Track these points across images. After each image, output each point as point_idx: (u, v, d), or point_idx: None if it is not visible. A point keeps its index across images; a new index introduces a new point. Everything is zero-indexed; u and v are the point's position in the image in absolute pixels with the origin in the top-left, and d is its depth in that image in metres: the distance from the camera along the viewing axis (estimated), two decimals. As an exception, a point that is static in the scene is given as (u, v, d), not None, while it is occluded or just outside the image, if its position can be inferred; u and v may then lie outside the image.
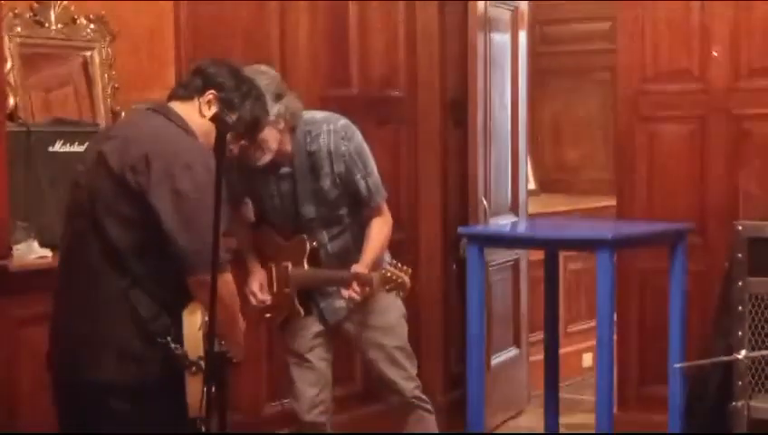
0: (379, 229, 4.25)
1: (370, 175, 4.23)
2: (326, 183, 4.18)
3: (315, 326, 4.33)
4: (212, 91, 3.27)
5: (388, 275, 4.05)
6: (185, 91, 3.31)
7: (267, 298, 4.26)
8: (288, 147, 4.14)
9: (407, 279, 4.04)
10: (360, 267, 4.10)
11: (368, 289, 4.07)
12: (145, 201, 3.08)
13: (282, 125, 4.07)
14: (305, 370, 4.34)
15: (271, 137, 4.03)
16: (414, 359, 4.45)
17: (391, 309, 4.36)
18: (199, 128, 3.25)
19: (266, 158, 4.07)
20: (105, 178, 3.15)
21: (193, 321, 3.10)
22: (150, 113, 3.29)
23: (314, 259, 4.22)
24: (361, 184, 4.20)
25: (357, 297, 4.09)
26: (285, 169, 4.18)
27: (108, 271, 3.13)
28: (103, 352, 3.13)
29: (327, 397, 4.40)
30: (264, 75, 4.00)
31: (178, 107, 3.28)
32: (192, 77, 3.33)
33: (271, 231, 4.31)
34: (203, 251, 2.98)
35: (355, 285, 4.07)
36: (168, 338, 3.09)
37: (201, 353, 3.09)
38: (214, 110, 3.25)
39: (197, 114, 3.27)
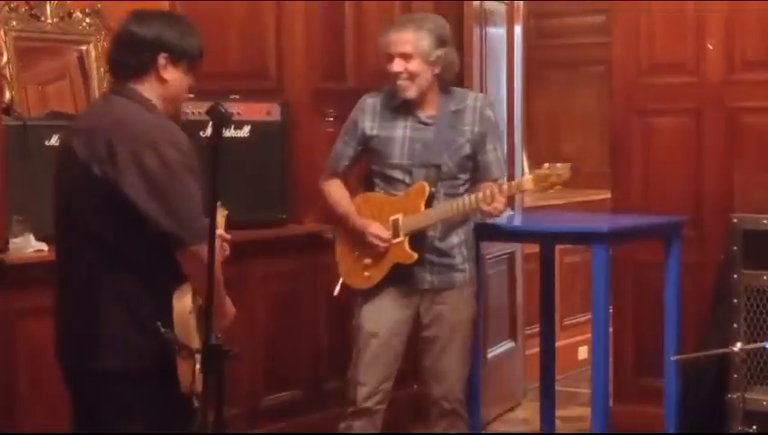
0: None
1: (501, 149, 4.46)
2: (463, 137, 4.36)
3: (398, 312, 4.39)
4: (162, 54, 3.21)
5: (541, 173, 4.18)
6: (136, 67, 3.21)
7: (389, 235, 4.33)
8: (433, 99, 4.37)
9: (564, 171, 4.16)
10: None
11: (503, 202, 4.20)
12: (117, 189, 3.08)
13: (437, 69, 4.32)
14: (378, 355, 4.37)
15: (424, 74, 4.31)
16: (468, 366, 4.53)
17: (467, 306, 4.45)
18: (162, 97, 3.22)
19: (412, 91, 4.32)
20: (75, 172, 3.15)
21: (183, 305, 3.11)
22: (112, 96, 3.26)
23: (429, 205, 4.32)
24: (491, 154, 4.40)
25: (502, 208, 4.21)
26: (427, 117, 4.37)
27: (96, 261, 3.14)
28: (98, 340, 3.15)
29: (389, 387, 4.43)
30: (432, 20, 4.40)
31: (137, 85, 3.22)
32: (131, 51, 3.21)
33: (373, 194, 4.42)
34: (184, 222, 3.03)
35: (499, 195, 4.17)
36: (159, 323, 3.09)
37: (191, 336, 3.09)
38: (172, 70, 3.21)
39: (157, 84, 3.22)
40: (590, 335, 4.86)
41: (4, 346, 4.11)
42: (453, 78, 4.48)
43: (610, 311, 5.01)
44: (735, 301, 4.64)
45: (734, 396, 4.62)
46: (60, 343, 3.28)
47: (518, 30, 6.34)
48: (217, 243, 3.39)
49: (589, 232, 4.74)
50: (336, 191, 4.50)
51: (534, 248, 5.74)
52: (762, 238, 4.62)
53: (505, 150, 4.56)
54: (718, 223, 5.11)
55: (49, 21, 4.52)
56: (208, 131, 4.26)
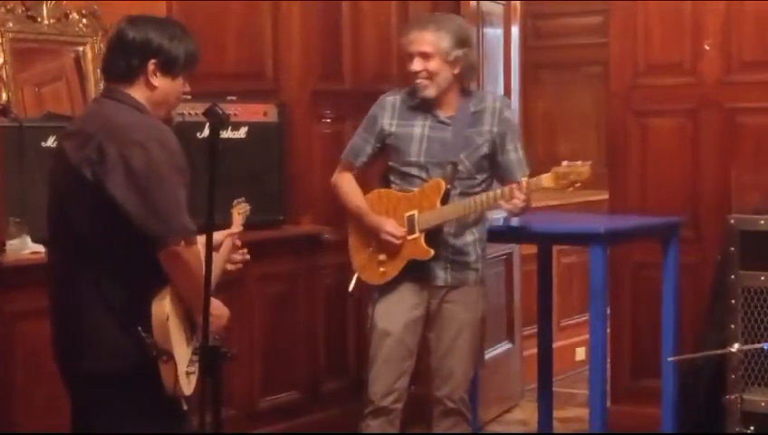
0: None
1: (522, 150, 4.46)
2: (482, 137, 4.38)
3: (411, 310, 4.41)
4: (152, 60, 3.22)
5: (561, 171, 4.16)
6: (125, 72, 3.23)
7: (404, 232, 4.34)
8: (452, 100, 4.39)
9: (585, 169, 4.15)
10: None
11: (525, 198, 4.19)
12: (104, 190, 3.08)
13: (456, 70, 4.34)
14: (392, 353, 4.39)
15: (443, 74, 4.34)
16: (475, 367, 4.54)
17: (478, 306, 4.46)
18: (152, 100, 3.24)
19: (431, 90, 4.34)
20: (67, 175, 3.17)
21: (161, 309, 3.11)
22: (104, 100, 3.28)
23: (445, 202, 4.33)
24: (512, 154, 4.42)
25: (521, 205, 4.20)
26: (446, 117, 4.39)
27: (82, 263, 3.16)
28: (82, 342, 3.18)
29: (405, 385, 4.45)
30: (453, 21, 4.44)
31: (127, 88, 3.23)
32: (121, 55, 3.23)
33: (387, 190, 4.43)
34: (164, 220, 3.05)
35: (518, 193, 4.17)
36: (140, 328, 3.10)
37: (170, 341, 3.10)
38: (161, 77, 3.22)
39: (146, 89, 3.23)
40: (587, 336, 4.85)
41: (1, 348, 4.10)
42: (472, 78, 4.52)
43: (608, 312, 5.01)
44: (733, 301, 4.64)
45: (732, 397, 4.61)
46: (53, 345, 3.31)
47: (515, 31, 6.34)
48: (229, 241, 3.44)
49: (586, 233, 4.74)
50: (349, 186, 4.51)
51: (532, 249, 5.74)
52: (759, 239, 4.62)
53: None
54: (715, 223, 5.11)
55: (45, 22, 4.51)
56: (205, 133, 4.30)
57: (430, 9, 5.79)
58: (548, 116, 8.23)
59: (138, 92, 3.23)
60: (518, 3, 6.42)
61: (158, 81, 3.23)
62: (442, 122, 4.40)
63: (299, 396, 5.26)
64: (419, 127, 4.40)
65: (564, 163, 4.20)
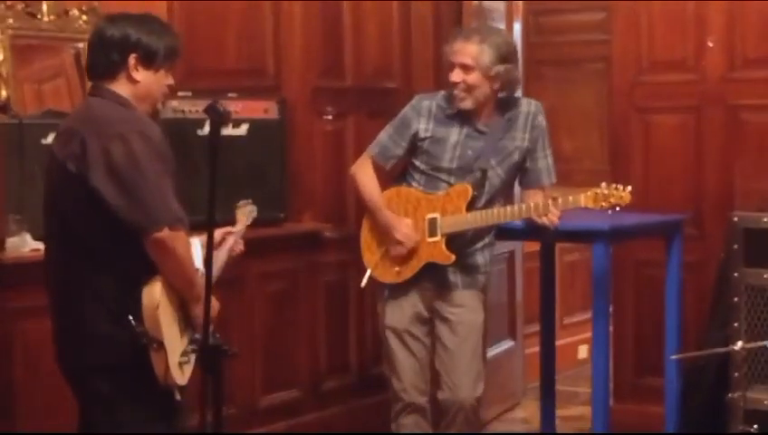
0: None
1: (551, 156, 4.49)
2: (514, 143, 4.40)
3: (419, 307, 4.43)
4: (132, 54, 3.25)
5: (601, 193, 4.17)
6: (107, 68, 3.26)
7: (418, 238, 4.34)
8: (490, 110, 4.39)
9: (626, 194, 4.16)
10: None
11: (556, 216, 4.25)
12: (88, 184, 3.11)
13: (496, 85, 4.33)
14: (405, 349, 4.43)
15: (482, 88, 4.32)
16: (483, 370, 4.52)
17: (483, 309, 4.47)
18: (136, 94, 3.26)
19: (468, 103, 4.34)
20: (56, 173, 3.21)
21: (150, 298, 3.12)
22: (90, 98, 3.32)
23: (471, 208, 4.32)
24: (541, 162, 4.45)
25: (556, 221, 4.26)
26: (482, 126, 4.38)
27: (75, 260, 3.20)
28: (80, 339, 3.20)
29: (427, 379, 4.49)
30: (498, 35, 4.44)
31: (111, 85, 3.26)
32: (101, 52, 3.27)
33: (407, 189, 4.42)
34: (147, 209, 3.07)
35: (554, 209, 4.21)
36: (130, 317, 3.12)
37: (160, 330, 3.11)
38: (143, 70, 3.25)
39: (129, 84, 3.26)
40: (589, 334, 4.84)
41: (1, 346, 4.09)
42: (513, 93, 4.49)
43: (611, 310, 4.99)
44: (736, 299, 4.62)
45: (735, 395, 4.60)
46: (53, 343, 3.32)
47: (517, 27, 6.33)
48: (230, 239, 3.45)
49: (589, 230, 4.72)
50: (367, 179, 4.47)
51: (534, 247, 5.73)
52: (762, 237, 4.60)
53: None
54: (719, 221, 5.10)
55: (45, 19, 4.50)
56: (206, 130, 4.28)
57: (432, 4, 5.79)
58: (550, 113, 8.10)
59: (121, 88, 3.25)
60: (520, 0, 6.40)
61: (140, 75, 3.25)
62: (478, 131, 4.38)
63: (300, 394, 5.25)
64: (455, 134, 4.38)
65: (603, 185, 4.19)
